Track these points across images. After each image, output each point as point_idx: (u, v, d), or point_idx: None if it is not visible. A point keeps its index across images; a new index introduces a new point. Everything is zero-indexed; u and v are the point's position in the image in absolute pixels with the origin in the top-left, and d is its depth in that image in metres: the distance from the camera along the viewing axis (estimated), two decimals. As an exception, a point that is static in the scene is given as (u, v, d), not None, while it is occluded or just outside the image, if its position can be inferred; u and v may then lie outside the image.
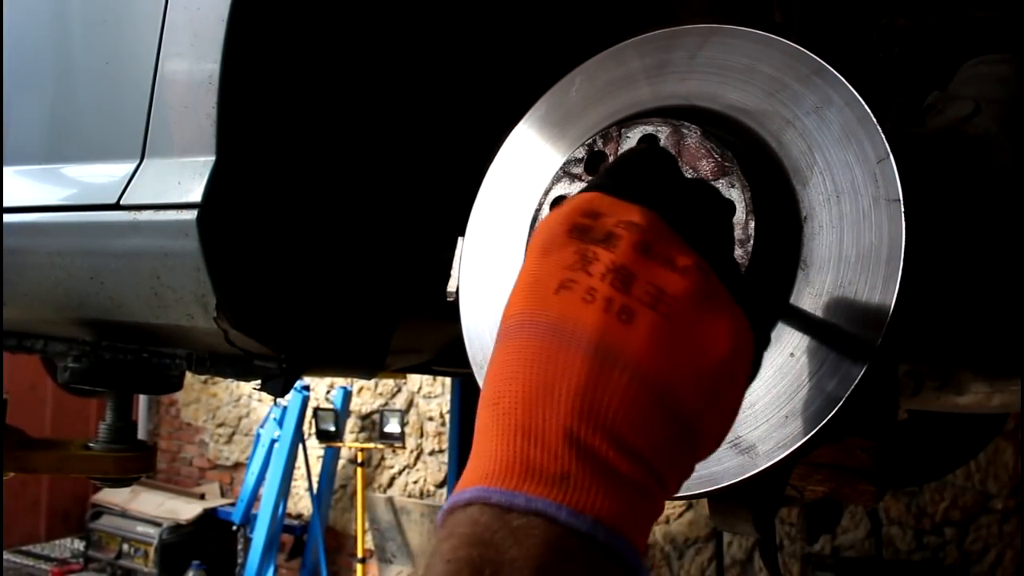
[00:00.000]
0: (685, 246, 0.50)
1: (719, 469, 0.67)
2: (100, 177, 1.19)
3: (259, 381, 1.20)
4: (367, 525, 5.69)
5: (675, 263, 0.48)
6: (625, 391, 0.43)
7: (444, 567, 0.38)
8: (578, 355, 0.43)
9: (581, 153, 0.76)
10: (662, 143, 0.71)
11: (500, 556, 0.37)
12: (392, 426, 5.41)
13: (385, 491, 5.86)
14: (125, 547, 6.14)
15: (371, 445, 5.57)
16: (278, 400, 5.35)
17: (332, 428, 5.32)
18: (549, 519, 0.38)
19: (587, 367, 0.43)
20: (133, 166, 1.14)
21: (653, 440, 0.43)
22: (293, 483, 5.74)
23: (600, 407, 0.43)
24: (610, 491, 0.40)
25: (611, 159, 0.74)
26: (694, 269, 0.49)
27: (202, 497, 6.44)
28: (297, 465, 5.51)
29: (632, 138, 0.73)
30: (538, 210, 0.77)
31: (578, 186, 0.75)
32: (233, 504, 5.87)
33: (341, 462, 5.98)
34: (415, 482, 5.78)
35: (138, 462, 1.65)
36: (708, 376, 0.47)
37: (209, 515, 6.12)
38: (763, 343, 0.56)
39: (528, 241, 0.52)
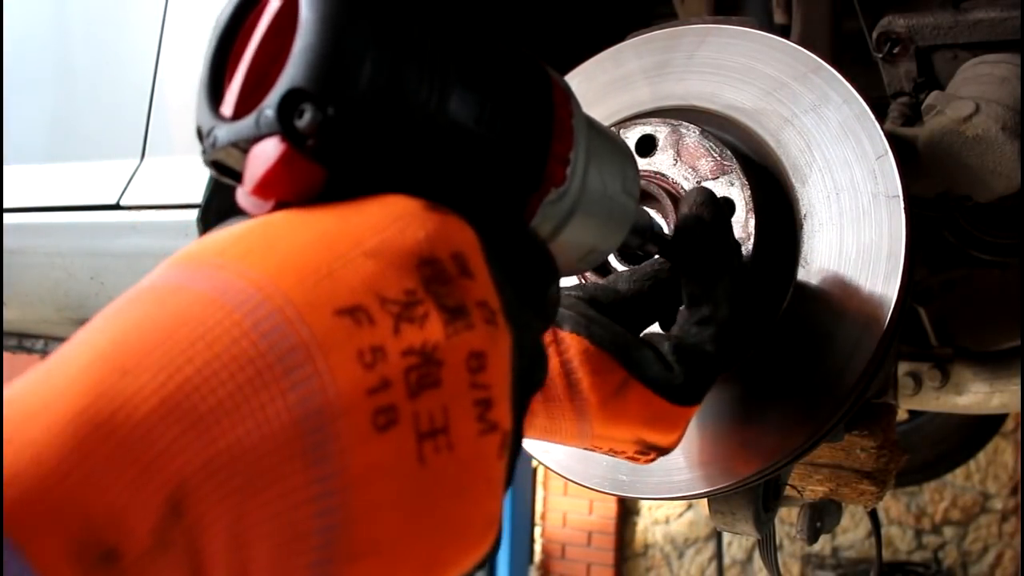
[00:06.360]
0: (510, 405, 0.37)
1: (721, 468, 0.67)
2: (100, 177, 1.19)
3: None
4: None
5: (492, 413, 0.35)
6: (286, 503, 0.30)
7: None
8: (283, 405, 0.30)
9: (580, 153, 0.76)
10: (661, 143, 0.72)
11: None
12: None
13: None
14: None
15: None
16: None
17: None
18: None
19: (288, 438, 0.30)
20: (133, 166, 1.14)
21: None
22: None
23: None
24: None
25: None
26: (506, 436, 0.36)
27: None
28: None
29: (631, 139, 0.73)
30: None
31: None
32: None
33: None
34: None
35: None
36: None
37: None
38: None
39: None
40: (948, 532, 4.05)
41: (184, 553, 0.28)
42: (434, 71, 0.39)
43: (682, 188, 0.70)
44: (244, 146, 0.38)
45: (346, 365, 0.31)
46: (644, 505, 4.68)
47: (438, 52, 0.40)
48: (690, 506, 4.51)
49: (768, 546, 0.96)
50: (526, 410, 0.41)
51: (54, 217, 1.24)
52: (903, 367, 1.30)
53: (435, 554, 0.35)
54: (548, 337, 0.57)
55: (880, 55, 0.94)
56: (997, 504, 3.96)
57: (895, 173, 0.66)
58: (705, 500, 0.74)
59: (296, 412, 0.30)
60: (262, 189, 0.37)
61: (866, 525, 4.04)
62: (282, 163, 0.36)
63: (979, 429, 2.32)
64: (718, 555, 4.22)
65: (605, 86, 0.81)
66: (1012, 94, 0.83)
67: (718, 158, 0.69)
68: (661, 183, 0.70)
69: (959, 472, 3.83)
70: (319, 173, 0.37)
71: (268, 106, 0.36)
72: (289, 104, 0.36)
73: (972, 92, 0.84)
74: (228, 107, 0.39)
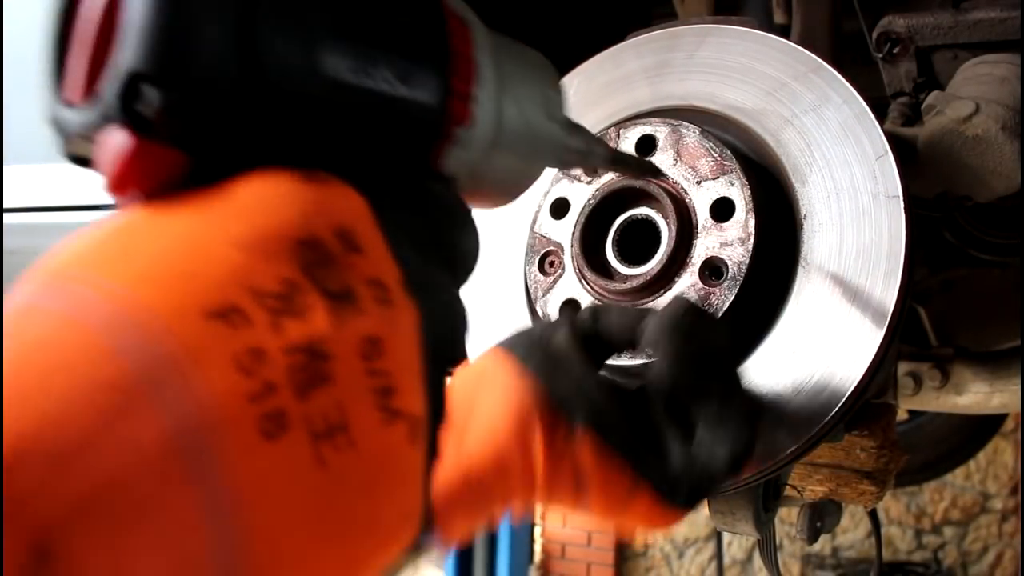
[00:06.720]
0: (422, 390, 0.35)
1: (719, 468, 0.67)
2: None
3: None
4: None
5: (396, 400, 0.33)
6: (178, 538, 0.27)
7: None
8: (154, 426, 0.27)
9: (580, 153, 0.76)
10: (661, 143, 0.72)
11: None
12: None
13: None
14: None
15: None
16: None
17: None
18: None
19: (167, 462, 0.27)
20: (132, 166, 1.14)
21: None
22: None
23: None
24: None
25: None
26: (416, 421, 0.34)
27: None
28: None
29: (631, 139, 0.73)
30: (537, 212, 0.77)
31: (577, 187, 0.75)
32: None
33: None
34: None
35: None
36: None
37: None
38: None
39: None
40: (948, 532, 4.05)
41: None
42: (294, 26, 0.34)
43: (682, 188, 0.70)
44: (92, 136, 0.34)
45: (222, 374, 0.28)
46: (644, 505, 4.67)
47: (296, 2, 0.35)
48: (690, 506, 4.51)
49: (768, 546, 0.96)
50: (445, 385, 0.38)
51: (54, 217, 1.24)
52: (903, 367, 1.30)
53: (348, 557, 0.33)
54: (562, 431, 0.52)
55: (880, 55, 0.94)
56: (997, 504, 3.96)
57: (895, 173, 0.65)
58: (705, 500, 0.74)
59: (171, 434, 0.27)
60: (116, 185, 0.33)
61: (866, 525, 4.04)
62: (132, 155, 0.32)
63: (979, 429, 2.32)
64: (718, 555, 4.22)
65: (605, 86, 0.81)
66: (1012, 94, 0.83)
67: (718, 158, 0.69)
68: (661, 183, 0.70)
69: (959, 472, 3.83)
70: (178, 159, 0.33)
71: (106, 92, 0.32)
72: (128, 88, 0.32)
73: (972, 92, 0.84)
74: (72, 92, 0.35)
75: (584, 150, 0.51)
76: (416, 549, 0.37)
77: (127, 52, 0.32)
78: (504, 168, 0.44)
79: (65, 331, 0.28)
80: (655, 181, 0.71)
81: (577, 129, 0.50)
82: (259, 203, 0.33)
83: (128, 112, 0.32)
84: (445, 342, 0.37)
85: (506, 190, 0.47)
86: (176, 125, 0.32)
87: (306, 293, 0.31)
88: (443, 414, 0.37)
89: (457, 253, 0.40)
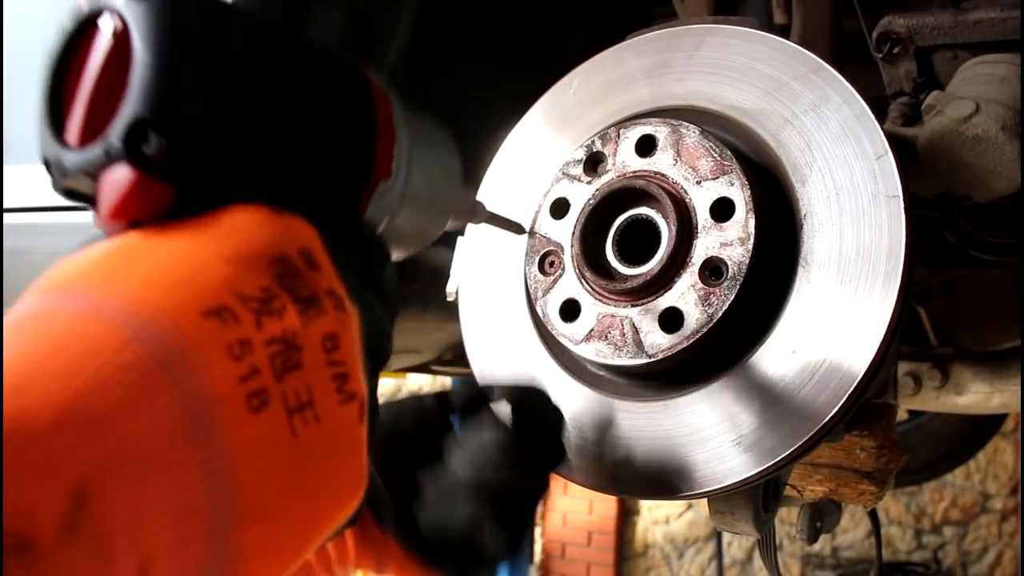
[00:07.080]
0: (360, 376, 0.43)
1: (721, 468, 0.67)
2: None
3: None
4: (367, 526, 5.69)
5: (349, 385, 0.41)
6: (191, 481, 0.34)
7: None
8: (167, 400, 0.34)
9: (580, 154, 0.76)
10: (661, 143, 0.72)
11: None
12: (392, 427, 5.41)
13: (385, 492, 5.86)
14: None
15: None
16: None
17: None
18: None
19: (176, 428, 0.34)
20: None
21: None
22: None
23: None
24: None
25: (610, 158, 0.75)
26: (363, 403, 0.43)
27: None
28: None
29: (631, 138, 0.73)
30: (537, 212, 0.78)
31: (577, 187, 0.75)
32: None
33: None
34: (415, 483, 5.78)
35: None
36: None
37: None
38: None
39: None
40: (948, 532, 4.05)
41: (92, 538, 0.31)
42: (262, 91, 0.44)
43: (682, 188, 0.70)
44: (94, 173, 0.42)
45: (219, 359, 0.36)
46: (644, 505, 4.68)
47: (263, 72, 0.45)
48: (690, 506, 4.51)
49: (768, 546, 0.96)
50: (377, 382, 0.47)
51: (54, 217, 1.24)
52: (903, 367, 1.30)
53: (315, 512, 0.41)
54: (372, 530, 0.61)
55: (880, 55, 0.94)
56: (997, 504, 3.96)
57: (895, 173, 0.65)
58: (705, 500, 0.74)
59: (180, 406, 0.34)
60: (117, 213, 0.41)
61: (866, 525, 4.04)
62: (135, 189, 0.40)
63: (979, 429, 2.32)
64: (718, 555, 4.22)
65: (605, 86, 0.81)
66: (1012, 94, 0.83)
67: (718, 158, 0.69)
68: (661, 183, 0.70)
69: (959, 472, 3.83)
70: (169, 193, 0.41)
71: (115, 135, 0.40)
72: (135, 133, 0.40)
73: (972, 92, 0.84)
74: (73, 136, 0.43)
75: (472, 206, 0.65)
76: (356, 517, 0.45)
77: (136, 103, 0.40)
78: (412, 217, 0.55)
79: (89, 325, 0.34)
80: (656, 181, 0.71)
81: (467, 189, 0.63)
82: (241, 228, 0.41)
83: (133, 152, 0.40)
84: (374, 351, 0.46)
85: (414, 237, 0.58)
86: (172, 165, 0.41)
87: (281, 298, 0.39)
88: (376, 407, 0.47)
89: (382, 282, 0.49)
